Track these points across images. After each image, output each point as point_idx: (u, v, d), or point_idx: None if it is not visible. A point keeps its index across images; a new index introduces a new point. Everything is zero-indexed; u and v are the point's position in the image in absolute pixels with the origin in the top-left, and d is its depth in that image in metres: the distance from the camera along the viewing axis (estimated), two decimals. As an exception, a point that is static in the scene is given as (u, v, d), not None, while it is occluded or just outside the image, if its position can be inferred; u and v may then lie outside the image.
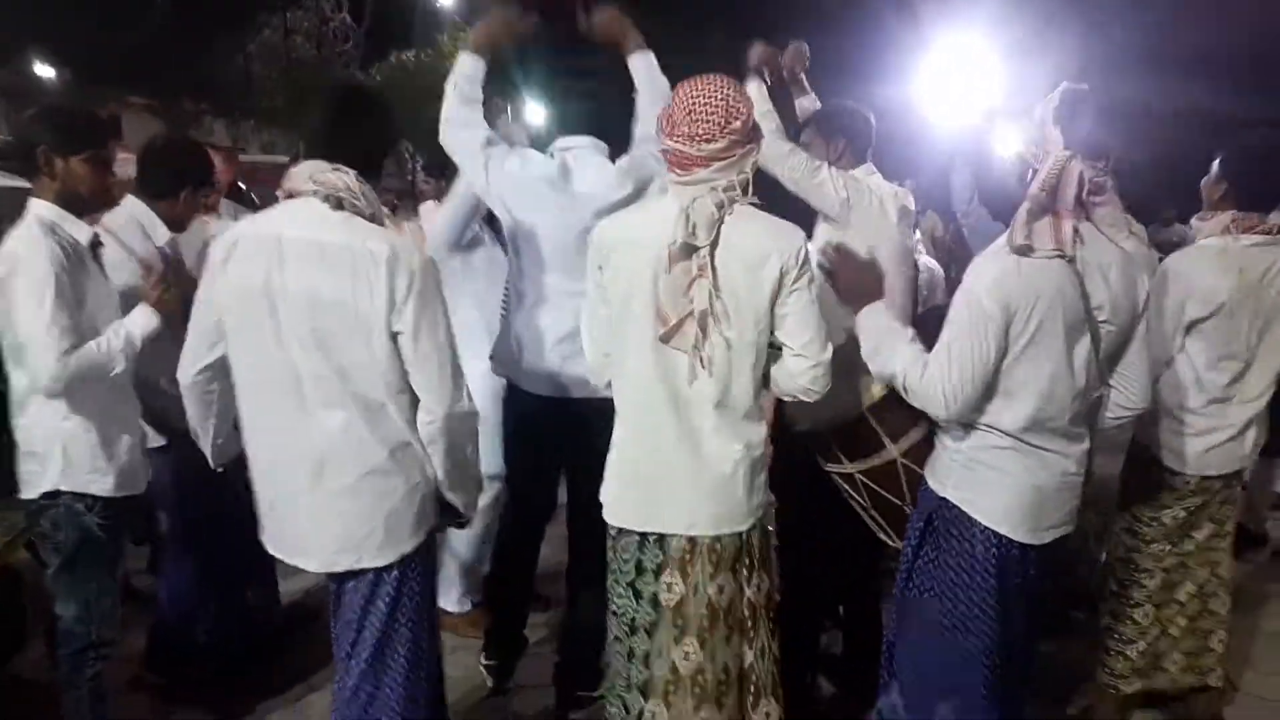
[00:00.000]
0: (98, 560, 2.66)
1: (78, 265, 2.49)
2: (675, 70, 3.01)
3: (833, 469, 2.67)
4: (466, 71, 3.00)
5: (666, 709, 2.31)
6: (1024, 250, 2.18)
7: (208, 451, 2.48)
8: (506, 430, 3.22)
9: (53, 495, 2.58)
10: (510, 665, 3.40)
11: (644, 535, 2.31)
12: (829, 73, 3.85)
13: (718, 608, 2.28)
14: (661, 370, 2.21)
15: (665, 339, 2.17)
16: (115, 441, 2.62)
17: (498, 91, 3.26)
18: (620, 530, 2.35)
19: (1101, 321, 2.31)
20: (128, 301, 2.76)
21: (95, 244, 2.62)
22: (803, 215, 2.63)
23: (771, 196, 2.35)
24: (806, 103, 3.51)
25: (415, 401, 2.26)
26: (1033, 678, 2.61)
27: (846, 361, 2.50)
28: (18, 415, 2.59)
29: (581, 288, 2.89)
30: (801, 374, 2.21)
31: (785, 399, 2.35)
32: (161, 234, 3.10)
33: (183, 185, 3.15)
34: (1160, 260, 3.02)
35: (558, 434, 3.04)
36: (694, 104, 2.11)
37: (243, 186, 5.23)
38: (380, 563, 2.29)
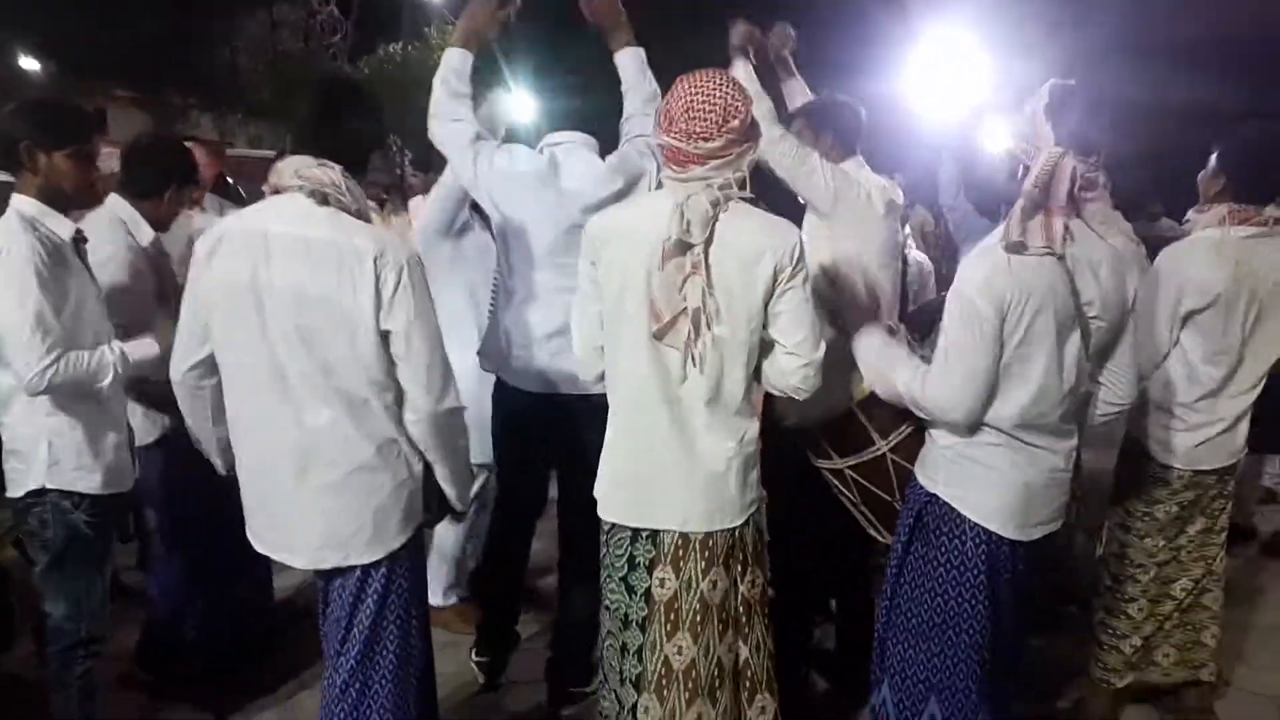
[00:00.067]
0: (86, 558, 2.64)
1: (60, 261, 2.46)
2: (662, 66, 3.02)
3: (822, 464, 2.67)
4: (454, 65, 2.99)
5: (659, 703, 2.31)
6: (1018, 248, 2.17)
7: (214, 458, 2.48)
8: (496, 426, 3.21)
9: (39, 493, 2.56)
10: (501, 661, 3.40)
11: (637, 531, 2.30)
12: (817, 66, 3.84)
13: (710, 603, 2.28)
14: (655, 366, 2.20)
15: (659, 336, 2.16)
16: (101, 439, 2.60)
17: (484, 83, 3.24)
18: (613, 525, 2.35)
19: (1092, 318, 2.32)
20: (110, 302, 2.74)
21: (79, 240, 2.59)
22: (791, 212, 2.62)
23: (761, 194, 2.34)
24: (794, 86, 3.48)
25: (401, 398, 2.25)
26: (1021, 673, 2.62)
27: (835, 357, 2.50)
28: (2, 413, 2.58)
29: (570, 284, 2.88)
30: (793, 372, 2.21)
31: (775, 394, 2.35)
32: (145, 233, 3.08)
33: (167, 184, 3.13)
34: (1148, 256, 3.02)
35: (547, 430, 3.04)
36: (692, 101, 2.10)
37: (230, 181, 5.19)
38: (368, 560, 2.28)
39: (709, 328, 2.13)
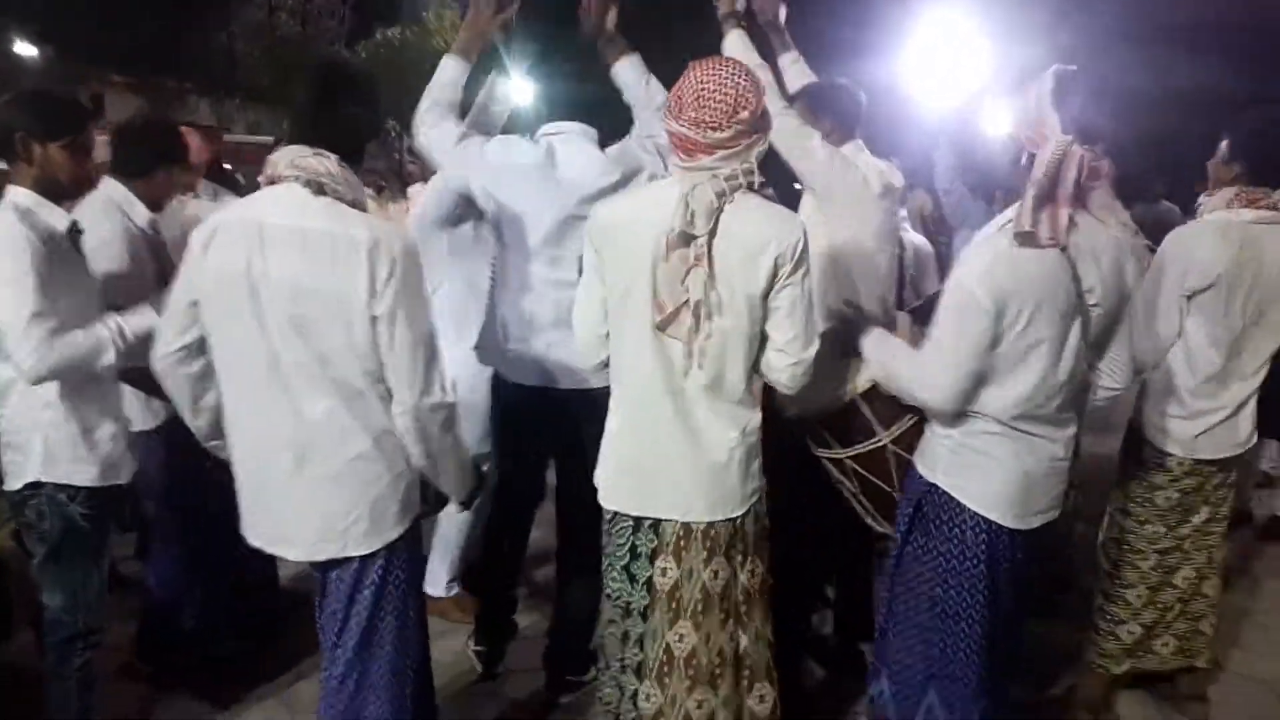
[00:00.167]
0: (83, 550, 2.63)
1: (55, 253, 2.45)
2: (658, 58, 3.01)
3: (823, 454, 2.67)
4: (448, 77, 3.00)
5: (661, 690, 2.32)
6: (1029, 239, 2.14)
7: (198, 435, 2.45)
8: (494, 418, 3.21)
9: (36, 486, 2.55)
10: (499, 651, 3.40)
11: (639, 520, 2.31)
12: (815, 49, 3.81)
13: (712, 592, 2.29)
14: (659, 357, 2.20)
15: (661, 327, 2.16)
16: (97, 431, 2.59)
17: (484, 70, 3.23)
18: (615, 514, 2.35)
19: (1091, 305, 2.31)
20: (109, 286, 2.73)
21: (74, 231, 2.58)
22: (787, 199, 2.61)
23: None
24: (789, 60, 3.42)
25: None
26: (1020, 661, 2.63)
27: (837, 347, 2.50)
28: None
29: (565, 276, 2.89)
30: (781, 369, 2.21)
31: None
32: (141, 214, 3.07)
33: (158, 164, 3.11)
34: (1146, 243, 3.02)
35: (544, 422, 3.03)
36: (703, 89, 2.08)
37: (227, 167, 5.17)
38: (364, 551, 2.27)
39: (710, 319, 2.12)
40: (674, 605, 2.29)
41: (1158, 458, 3.01)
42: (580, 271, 2.77)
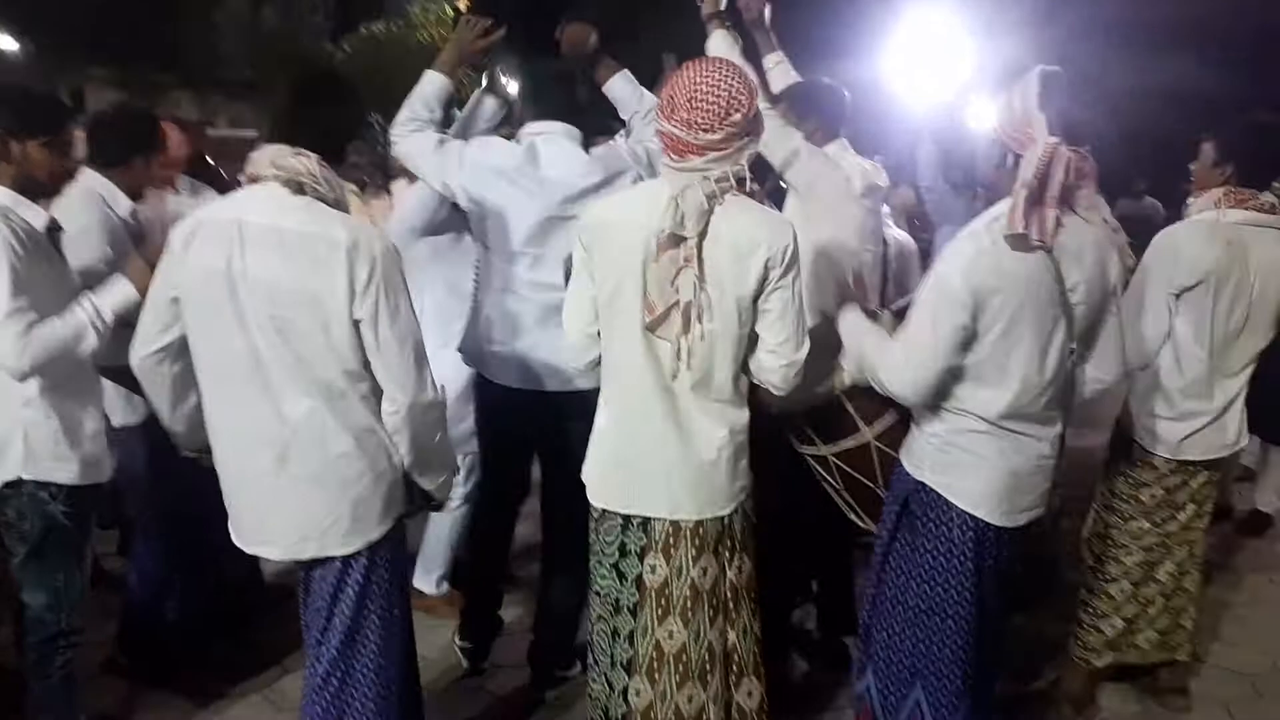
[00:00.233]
0: (64, 548, 2.61)
1: (34, 251, 2.43)
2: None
3: (806, 451, 2.68)
4: (430, 92, 3.00)
5: (651, 686, 2.34)
6: (1020, 241, 2.14)
7: (173, 434, 2.45)
8: (478, 419, 3.21)
9: (16, 484, 2.53)
10: (485, 646, 3.40)
11: (627, 518, 2.32)
12: (799, 47, 3.82)
13: (700, 589, 2.30)
14: (649, 357, 2.20)
15: (651, 328, 2.16)
16: (78, 428, 2.57)
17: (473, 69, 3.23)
18: (604, 512, 2.36)
19: (1076, 304, 2.31)
20: (89, 276, 2.71)
21: (53, 229, 2.57)
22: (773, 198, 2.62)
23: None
24: (772, 61, 3.42)
25: (378, 389, 2.23)
26: (1004, 655, 2.64)
27: (821, 344, 2.50)
28: (-21, 405, 2.55)
29: (547, 278, 2.89)
30: (773, 370, 2.22)
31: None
32: (123, 204, 3.06)
33: (134, 152, 3.09)
34: (1134, 233, 3.04)
35: (528, 423, 3.03)
36: (696, 90, 2.07)
37: (210, 161, 5.12)
38: (347, 551, 2.27)
39: (700, 321, 2.12)
40: (663, 602, 2.31)
41: (1145, 456, 3.03)
42: (566, 272, 2.78)
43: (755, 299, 2.15)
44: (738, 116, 2.08)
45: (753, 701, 2.41)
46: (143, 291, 2.41)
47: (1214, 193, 2.90)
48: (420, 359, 2.23)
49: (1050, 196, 2.16)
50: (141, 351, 2.29)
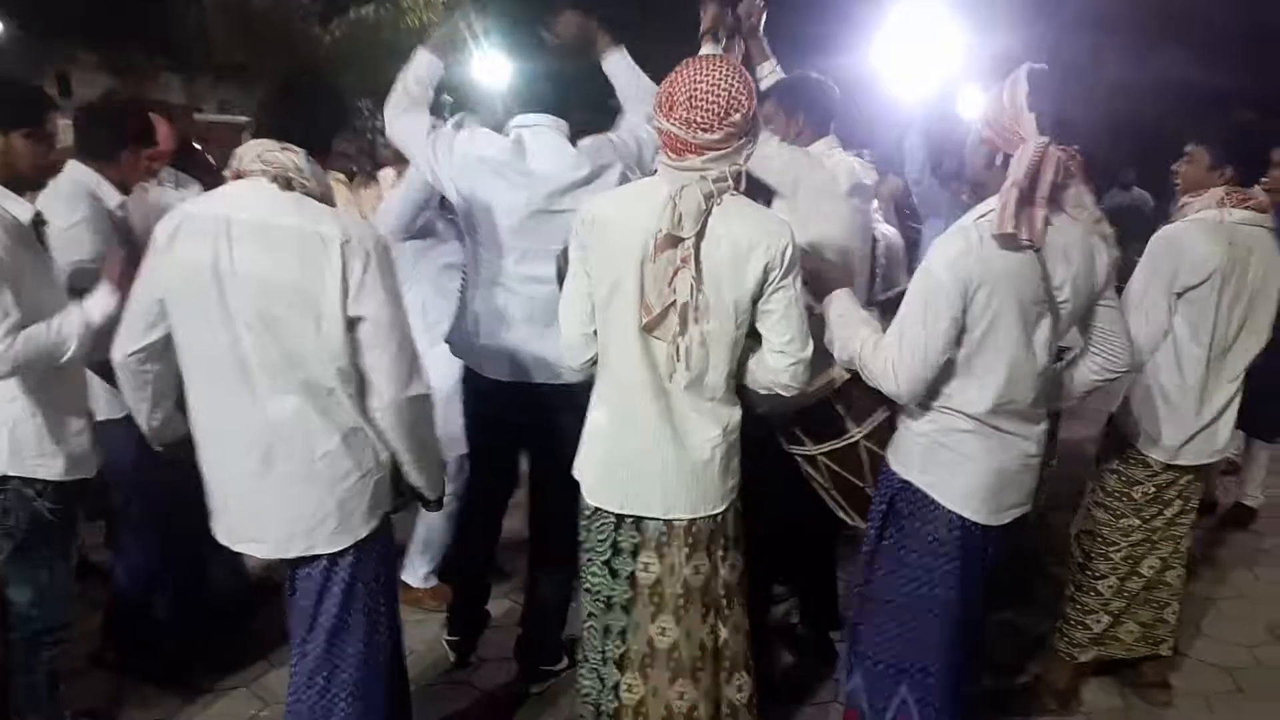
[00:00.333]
0: (50, 544, 2.61)
1: (19, 244, 2.41)
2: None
3: (795, 450, 2.68)
4: (420, 73, 2.98)
5: (643, 682, 2.35)
6: (1010, 240, 2.14)
7: (146, 431, 2.43)
8: (466, 412, 3.20)
9: (1, 480, 2.51)
10: (472, 641, 3.41)
11: (620, 516, 2.32)
12: (786, 40, 3.82)
13: (693, 587, 2.31)
14: (645, 357, 2.20)
15: (648, 329, 2.15)
16: (64, 424, 2.56)
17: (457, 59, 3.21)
18: (596, 510, 2.36)
19: (1061, 302, 2.31)
20: (77, 271, 2.69)
21: (38, 222, 2.55)
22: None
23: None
24: (766, 69, 3.45)
25: (365, 386, 2.22)
26: (984, 650, 2.66)
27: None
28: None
29: (537, 271, 2.88)
30: (782, 370, 2.21)
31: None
32: (111, 197, 3.03)
33: (124, 145, 3.07)
34: (1121, 223, 3.04)
35: (517, 417, 3.02)
36: (696, 89, 2.06)
37: (196, 147, 5.08)
38: (334, 549, 2.27)
39: (696, 322, 2.12)
40: (656, 600, 2.32)
41: (1139, 456, 3.04)
42: (556, 266, 2.77)
43: (753, 300, 2.15)
44: (737, 116, 2.07)
45: (743, 695, 2.43)
46: (120, 288, 2.40)
47: (1215, 192, 2.90)
48: (411, 352, 2.23)
49: (1040, 196, 2.16)
50: (125, 349, 2.27)
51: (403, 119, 2.97)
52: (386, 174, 4.56)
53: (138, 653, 3.32)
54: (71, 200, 2.86)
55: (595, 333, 2.29)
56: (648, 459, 2.26)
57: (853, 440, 2.54)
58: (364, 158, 5.61)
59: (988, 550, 2.40)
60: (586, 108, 3.13)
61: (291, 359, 2.15)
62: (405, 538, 3.65)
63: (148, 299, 2.22)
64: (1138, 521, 3.09)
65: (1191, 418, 2.96)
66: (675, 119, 2.08)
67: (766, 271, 2.11)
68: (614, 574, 2.35)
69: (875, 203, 4.88)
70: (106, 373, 2.78)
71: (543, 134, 2.92)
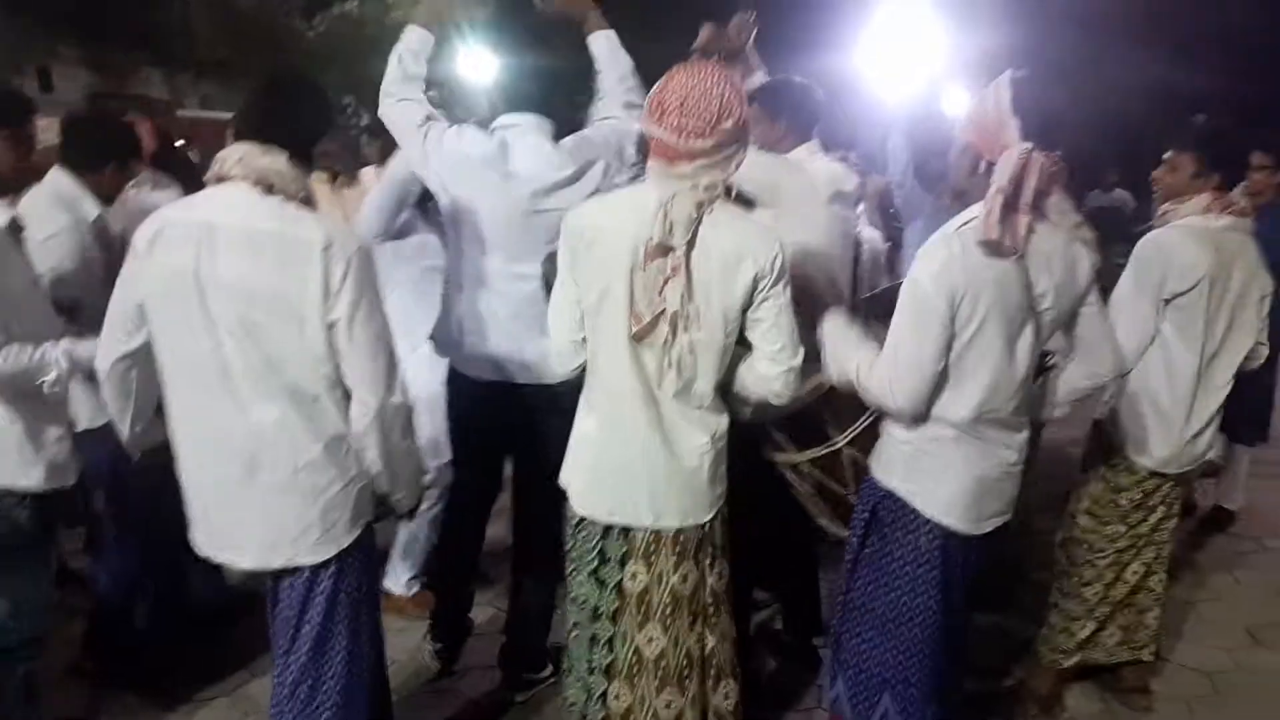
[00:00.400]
0: (29, 555, 2.57)
1: None
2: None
3: (778, 458, 2.68)
4: (413, 46, 2.95)
5: (630, 690, 2.34)
6: (995, 247, 2.14)
7: (125, 440, 2.40)
8: (449, 414, 3.18)
9: (-21, 491, 2.50)
10: (456, 648, 3.39)
11: (608, 525, 2.31)
12: (770, 40, 3.83)
13: (681, 596, 2.31)
14: (635, 365, 2.19)
15: (638, 338, 2.14)
16: (42, 433, 2.52)
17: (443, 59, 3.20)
18: (583, 519, 2.35)
19: (1044, 310, 2.32)
20: (56, 281, 2.67)
21: (15, 227, 2.52)
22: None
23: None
24: (756, 80, 3.47)
25: (349, 394, 2.21)
26: (966, 655, 2.66)
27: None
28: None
29: (522, 270, 2.87)
30: (775, 378, 2.21)
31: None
32: (89, 208, 3.01)
33: (109, 159, 3.04)
34: (1104, 225, 3.05)
35: (501, 419, 3.02)
36: (688, 95, 2.05)
37: (179, 144, 5.05)
38: (316, 559, 2.25)
39: (686, 330, 2.11)
40: (643, 608, 2.31)
41: (1126, 463, 3.05)
42: (542, 271, 2.76)
43: (743, 309, 2.15)
44: (729, 124, 2.07)
45: (729, 702, 2.43)
46: None
47: (1201, 199, 2.92)
48: (390, 361, 2.22)
49: (1023, 203, 2.16)
50: (109, 357, 2.25)
51: (398, 105, 2.96)
52: (368, 173, 4.52)
53: (119, 660, 3.30)
54: (51, 211, 2.84)
55: (584, 339, 2.28)
56: (637, 467, 2.25)
57: (836, 448, 2.54)
58: (347, 155, 5.57)
59: (969, 559, 2.41)
60: (571, 107, 3.13)
61: (274, 365, 2.13)
62: (387, 544, 3.64)
63: (127, 304, 2.21)
64: (1123, 528, 3.10)
65: (1181, 424, 2.97)
66: (666, 125, 2.07)
67: (756, 281, 2.11)
68: (601, 583, 2.34)
69: (860, 205, 4.89)
70: (89, 380, 2.75)
71: (525, 135, 2.92)
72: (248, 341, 2.11)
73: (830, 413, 2.55)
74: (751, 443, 2.67)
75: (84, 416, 2.98)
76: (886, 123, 4.78)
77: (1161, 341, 2.93)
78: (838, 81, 4.69)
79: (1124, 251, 3.05)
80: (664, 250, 2.07)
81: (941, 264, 2.19)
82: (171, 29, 19.44)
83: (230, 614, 3.60)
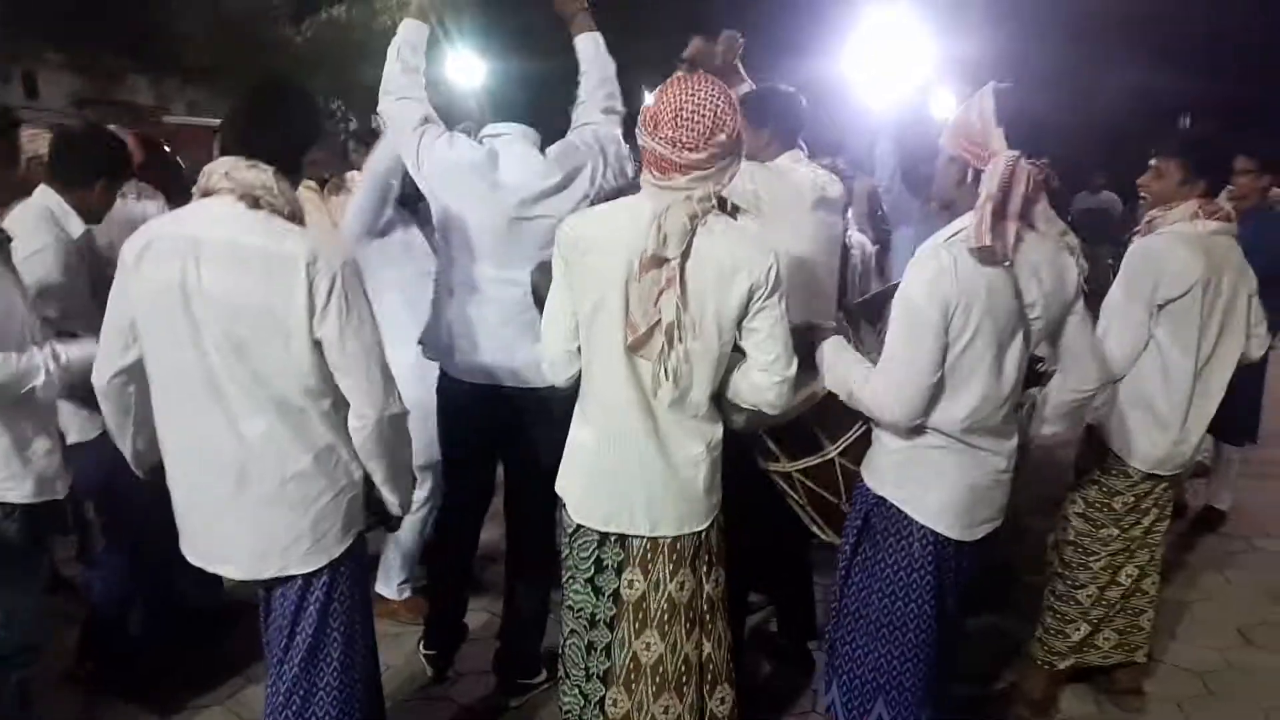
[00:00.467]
0: (19, 567, 2.57)
1: None
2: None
3: (770, 467, 2.69)
4: (409, 38, 2.97)
5: (628, 696, 2.35)
6: (988, 254, 2.15)
7: (129, 457, 2.41)
8: (440, 419, 3.18)
9: (-32, 503, 2.48)
10: (450, 654, 3.39)
11: (605, 534, 2.32)
12: (759, 46, 3.85)
13: (678, 603, 2.32)
14: (631, 375, 2.19)
15: (634, 348, 2.15)
16: (31, 446, 2.51)
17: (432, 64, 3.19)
18: (580, 527, 2.35)
19: (1033, 319, 2.33)
20: (41, 296, 2.66)
21: (3, 240, 2.51)
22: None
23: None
24: (742, 90, 3.48)
25: (338, 405, 2.21)
26: (958, 659, 2.67)
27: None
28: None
29: (511, 276, 2.88)
30: (768, 388, 2.22)
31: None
32: (76, 226, 3.00)
33: (98, 176, 3.03)
34: (1090, 227, 3.06)
35: (493, 422, 3.02)
36: (681, 108, 2.06)
37: (167, 149, 5.02)
38: (308, 569, 2.26)
39: (681, 341, 2.11)
40: (641, 616, 2.32)
41: (1121, 466, 3.06)
42: (531, 281, 2.77)
43: (737, 320, 2.16)
44: (723, 137, 2.08)
45: (725, 707, 2.44)
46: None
47: (1189, 205, 2.93)
48: (385, 371, 2.22)
49: (1012, 210, 2.18)
50: (105, 373, 2.26)
51: (396, 103, 2.97)
52: (354, 178, 4.52)
53: (113, 667, 3.29)
54: (35, 227, 2.83)
55: (579, 349, 2.29)
56: (633, 476, 2.26)
57: (828, 457, 2.55)
58: (336, 161, 5.56)
59: (961, 565, 2.42)
60: (559, 116, 3.13)
61: (261, 378, 2.13)
62: (377, 549, 3.63)
63: (121, 319, 2.21)
64: (1116, 531, 3.12)
65: (1177, 428, 2.99)
66: (661, 138, 2.08)
67: (751, 292, 2.12)
68: (598, 591, 2.35)
69: (849, 209, 4.91)
70: (73, 397, 2.75)
71: (513, 144, 2.94)
72: (234, 355, 2.11)
73: (822, 422, 2.55)
74: (745, 449, 2.68)
75: (74, 430, 2.98)
76: (874, 128, 4.81)
77: (1156, 347, 2.95)
78: (826, 87, 4.71)
79: (1112, 253, 3.06)
80: (658, 261, 2.08)
81: (933, 276, 2.21)
82: (158, 34, 19.36)
83: (225, 621, 3.59)
